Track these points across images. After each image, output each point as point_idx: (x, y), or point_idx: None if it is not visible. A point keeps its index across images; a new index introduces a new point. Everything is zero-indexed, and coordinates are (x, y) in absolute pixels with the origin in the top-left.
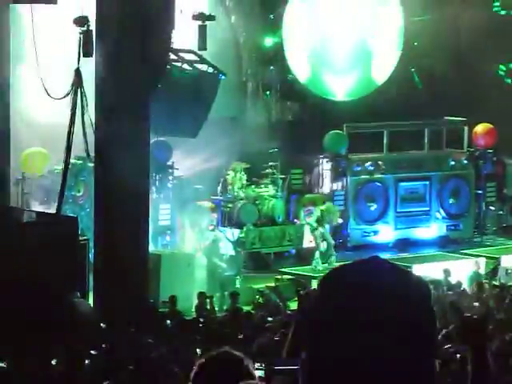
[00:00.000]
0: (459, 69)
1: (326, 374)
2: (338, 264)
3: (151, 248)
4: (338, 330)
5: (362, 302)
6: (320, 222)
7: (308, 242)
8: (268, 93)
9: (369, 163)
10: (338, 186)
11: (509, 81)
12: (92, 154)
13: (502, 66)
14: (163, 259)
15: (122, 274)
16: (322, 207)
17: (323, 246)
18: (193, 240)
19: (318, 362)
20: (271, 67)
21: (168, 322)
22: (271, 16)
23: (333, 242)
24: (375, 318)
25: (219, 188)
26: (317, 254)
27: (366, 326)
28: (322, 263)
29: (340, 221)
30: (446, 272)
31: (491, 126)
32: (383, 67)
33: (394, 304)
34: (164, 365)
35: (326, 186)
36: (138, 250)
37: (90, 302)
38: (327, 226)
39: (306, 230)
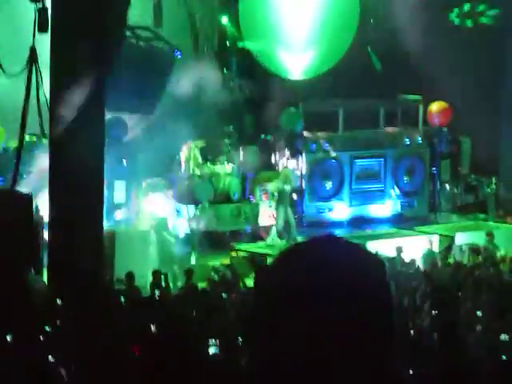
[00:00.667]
0: (415, 47)
1: (281, 352)
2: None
3: (106, 224)
4: (293, 306)
5: (317, 279)
6: (280, 198)
7: (263, 220)
8: (225, 71)
9: (323, 141)
10: (293, 163)
11: (468, 23)
12: (47, 130)
13: (456, 10)
14: (117, 236)
15: (76, 251)
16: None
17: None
18: (147, 217)
19: (273, 339)
20: (228, 45)
21: (122, 299)
22: None
23: (293, 221)
24: (332, 293)
25: (174, 165)
26: (274, 230)
27: (323, 302)
28: (280, 240)
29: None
30: (399, 249)
31: (446, 104)
32: (338, 46)
33: (351, 280)
34: (121, 343)
35: (282, 164)
36: (92, 226)
37: (45, 278)
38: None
39: (262, 208)
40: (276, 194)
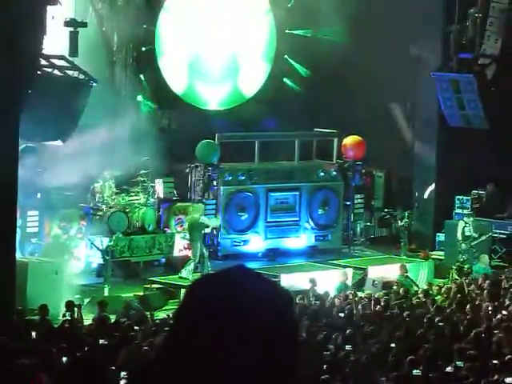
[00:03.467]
0: (330, 82)
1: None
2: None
3: (18, 255)
4: (196, 337)
5: (222, 311)
6: (193, 231)
7: (178, 250)
8: (140, 99)
9: (240, 173)
10: (209, 195)
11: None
12: None
13: None
14: (30, 267)
15: None
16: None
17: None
18: (61, 248)
19: (173, 366)
20: (143, 75)
21: (34, 331)
22: (144, 26)
23: (207, 253)
24: (234, 325)
25: (89, 196)
26: (191, 264)
27: (224, 334)
28: (194, 273)
29: (211, 225)
30: (312, 281)
31: (360, 138)
32: (253, 79)
33: (255, 312)
34: (33, 373)
35: (197, 195)
36: (4, 257)
37: None
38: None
39: (177, 238)
40: (190, 226)
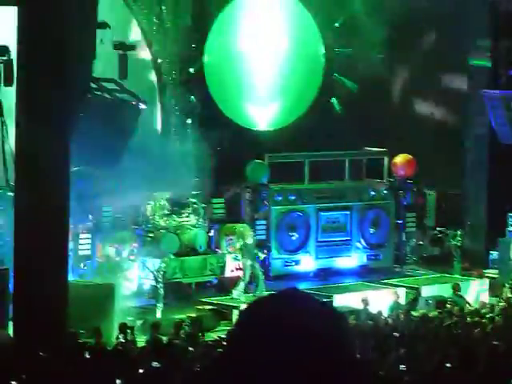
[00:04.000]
0: (380, 100)
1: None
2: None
3: (70, 278)
4: (248, 359)
5: (275, 335)
6: (244, 252)
7: (230, 271)
8: (190, 121)
9: (290, 193)
10: (259, 215)
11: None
12: (12, 183)
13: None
14: (82, 289)
15: (41, 304)
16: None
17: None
18: (114, 269)
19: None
20: (193, 96)
21: (88, 351)
22: (193, 46)
23: (262, 276)
24: (287, 347)
25: (140, 218)
26: (242, 284)
27: (277, 356)
28: (247, 293)
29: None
30: (365, 301)
31: (411, 156)
32: (303, 98)
33: (308, 335)
34: None
35: (248, 216)
36: (57, 280)
37: (10, 332)
38: (250, 240)
39: (228, 259)
40: (241, 247)
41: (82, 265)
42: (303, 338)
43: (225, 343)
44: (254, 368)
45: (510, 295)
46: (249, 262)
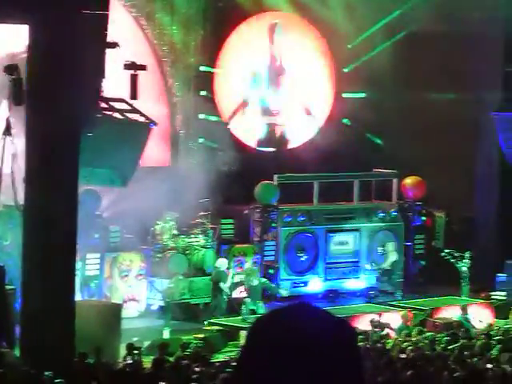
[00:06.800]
0: (390, 121)
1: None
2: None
3: (78, 298)
4: (263, 379)
5: (286, 351)
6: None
7: (238, 292)
8: (200, 141)
9: (299, 214)
10: (268, 236)
11: None
12: (21, 202)
13: None
14: (89, 309)
15: (48, 324)
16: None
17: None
18: (120, 290)
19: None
20: (202, 116)
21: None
22: (202, 68)
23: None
24: (297, 364)
25: (149, 238)
26: (245, 306)
27: (287, 373)
28: (251, 314)
29: (255, 282)
30: (374, 323)
31: (420, 178)
32: (312, 120)
33: (317, 352)
34: None
35: (257, 237)
36: (64, 299)
37: (17, 352)
38: (256, 282)
39: (236, 280)
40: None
41: (90, 284)
42: (313, 358)
43: (235, 362)
44: (269, 378)
45: None
46: (252, 283)
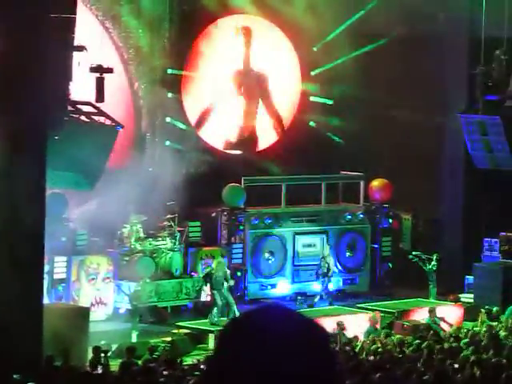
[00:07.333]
0: (357, 124)
1: None
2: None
3: (46, 301)
4: (235, 381)
5: (258, 352)
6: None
7: (206, 295)
8: (167, 144)
9: (266, 216)
10: (235, 239)
11: None
12: None
13: None
14: (56, 312)
15: (16, 327)
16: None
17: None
18: (88, 293)
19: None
20: (169, 119)
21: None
22: (169, 70)
23: (233, 300)
24: (273, 366)
25: (116, 241)
26: (215, 309)
27: (265, 376)
28: (220, 317)
29: (232, 282)
30: (340, 325)
31: (387, 181)
32: (279, 122)
33: (292, 351)
34: None
35: (224, 239)
36: (32, 302)
37: None
38: (226, 285)
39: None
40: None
41: (57, 288)
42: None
43: (203, 366)
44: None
45: (485, 320)
46: (217, 292)
